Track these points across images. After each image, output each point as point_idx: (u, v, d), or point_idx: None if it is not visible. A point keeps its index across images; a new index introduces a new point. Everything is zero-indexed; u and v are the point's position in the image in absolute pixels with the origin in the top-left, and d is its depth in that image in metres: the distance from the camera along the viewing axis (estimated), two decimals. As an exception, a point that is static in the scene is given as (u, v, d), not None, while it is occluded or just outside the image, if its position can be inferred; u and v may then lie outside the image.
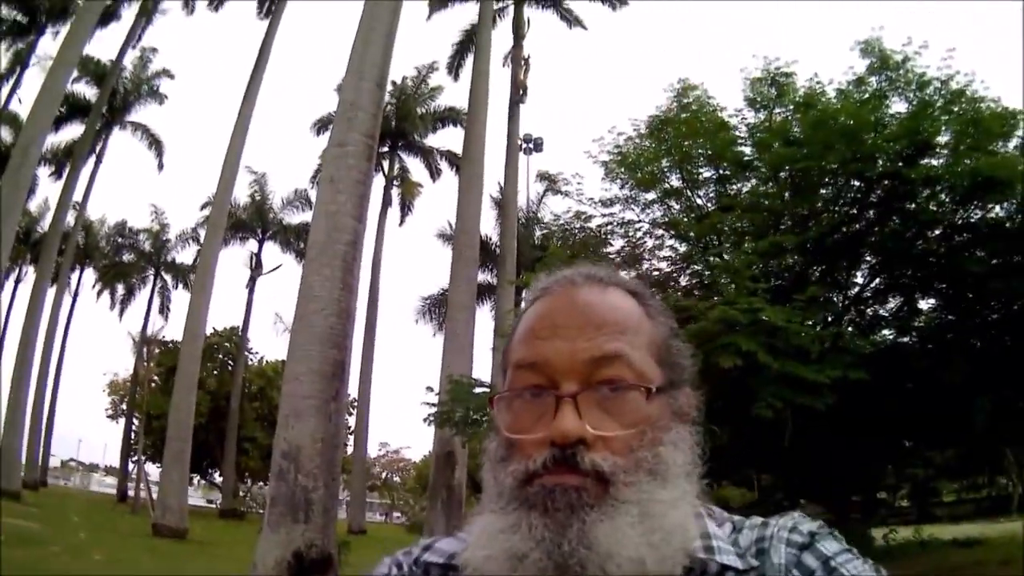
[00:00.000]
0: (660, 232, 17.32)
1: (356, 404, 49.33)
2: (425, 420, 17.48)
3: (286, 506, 12.60)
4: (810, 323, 12.96)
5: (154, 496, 37.75)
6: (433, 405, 17.32)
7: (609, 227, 17.86)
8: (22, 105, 44.29)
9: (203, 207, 51.51)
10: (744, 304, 11.97)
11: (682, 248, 16.99)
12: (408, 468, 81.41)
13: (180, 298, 62.08)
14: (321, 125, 45.99)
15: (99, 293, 62.77)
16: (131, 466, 58.45)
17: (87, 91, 45.83)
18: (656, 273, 17.00)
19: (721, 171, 16.06)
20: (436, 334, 46.38)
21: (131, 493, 52.58)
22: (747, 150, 15.81)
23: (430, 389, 18.39)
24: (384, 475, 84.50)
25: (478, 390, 16.26)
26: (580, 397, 1.08)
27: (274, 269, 55.35)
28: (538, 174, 34.99)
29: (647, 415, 1.10)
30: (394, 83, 44.90)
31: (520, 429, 1.12)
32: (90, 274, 63.04)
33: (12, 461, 34.61)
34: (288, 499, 12.61)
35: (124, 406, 65.02)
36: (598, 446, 1.07)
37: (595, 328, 1.13)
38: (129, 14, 42.01)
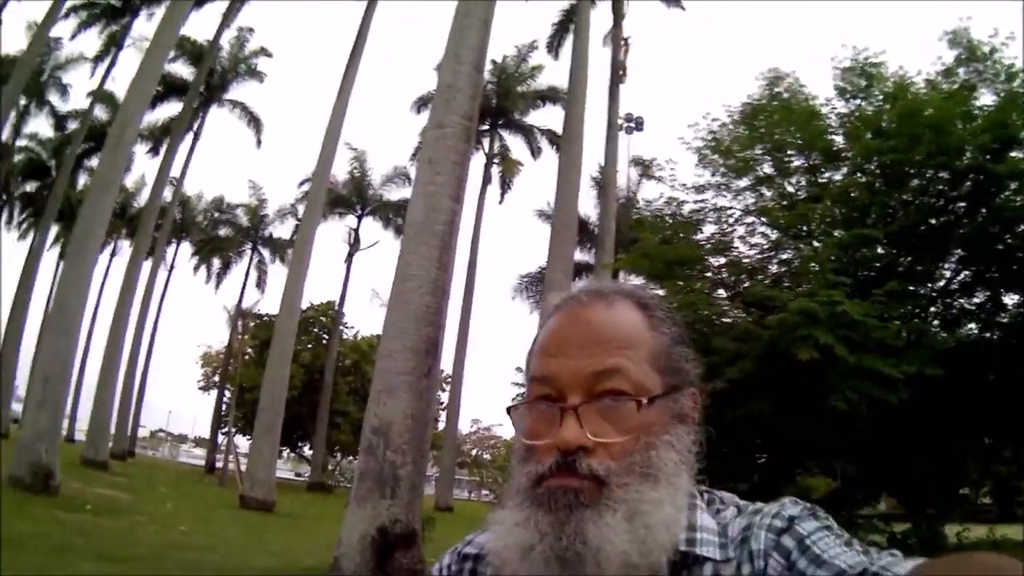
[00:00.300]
0: (751, 219, 17.38)
1: (450, 380, 49.74)
2: (514, 400, 17.86)
3: (374, 481, 12.87)
4: (892, 316, 13.01)
5: (243, 468, 38.61)
6: (522, 385, 17.66)
7: (701, 213, 17.94)
8: (116, 84, 45.69)
9: (302, 183, 52.50)
10: (824, 297, 12.19)
11: (773, 236, 17.03)
12: (498, 445, 79.43)
13: (277, 272, 62.75)
14: (421, 103, 46.24)
15: (196, 267, 64.57)
16: (221, 438, 59.88)
17: (184, 70, 46.75)
18: (746, 261, 17.09)
19: (812, 160, 16.16)
20: (532, 312, 46.75)
21: (220, 465, 53.82)
22: (838, 139, 15.90)
23: (520, 369, 18.54)
24: (474, 452, 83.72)
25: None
26: (582, 409, 1.23)
27: (372, 245, 56.08)
28: (632, 159, 35.05)
29: (642, 422, 1.24)
30: (494, 62, 45.29)
31: (535, 435, 1.28)
32: (187, 248, 64.66)
33: (101, 432, 35.83)
34: (376, 474, 12.87)
35: (217, 378, 66.33)
36: (598, 452, 1.21)
37: (596, 344, 1.27)
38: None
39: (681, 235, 17.51)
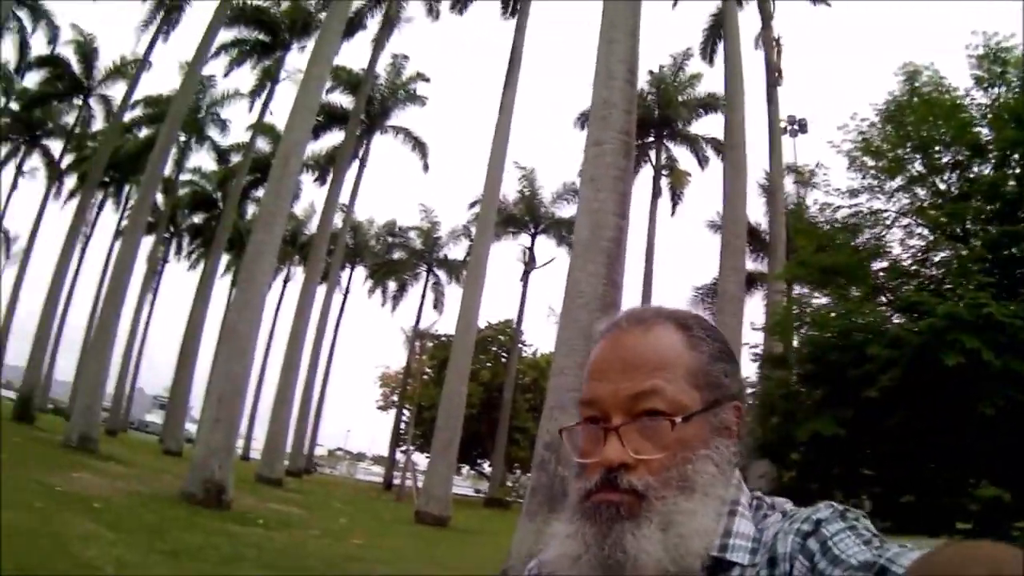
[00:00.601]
0: (907, 221, 17.04)
1: (627, 397, 49.18)
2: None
3: (545, 496, 12.97)
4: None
5: (420, 485, 39.03)
6: None
7: (856, 217, 17.66)
8: (274, 117, 47.83)
9: (472, 204, 53.08)
10: (970, 299, 11.96)
11: (932, 237, 16.64)
12: None
13: (453, 293, 63.52)
14: (584, 118, 45.13)
15: (371, 290, 66.04)
16: (399, 455, 60.97)
17: (343, 100, 48.34)
18: (903, 264, 16.76)
19: (958, 155, 15.78)
20: (711, 324, 46.01)
21: (397, 482, 54.79)
22: (983, 131, 15.49)
23: None
24: None
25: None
26: (623, 428, 1.32)
27: (547, 263, 56.09)
28: (785, 167, 34.43)
29: (678, 438, 1.32)
30: (651, 72, 45.01)
31: (585, 454, 1.38)
32: (361, 272, 66.63)
33: (276, 450, 37.09)
34: (547, 489, 12.98)
35: (395, 397, 67.71)
36: (640, 468, 1.31)
37: (634, 368, 1.36)
38: (375, 23, 44.15)
39: (837, 241, 17.28)
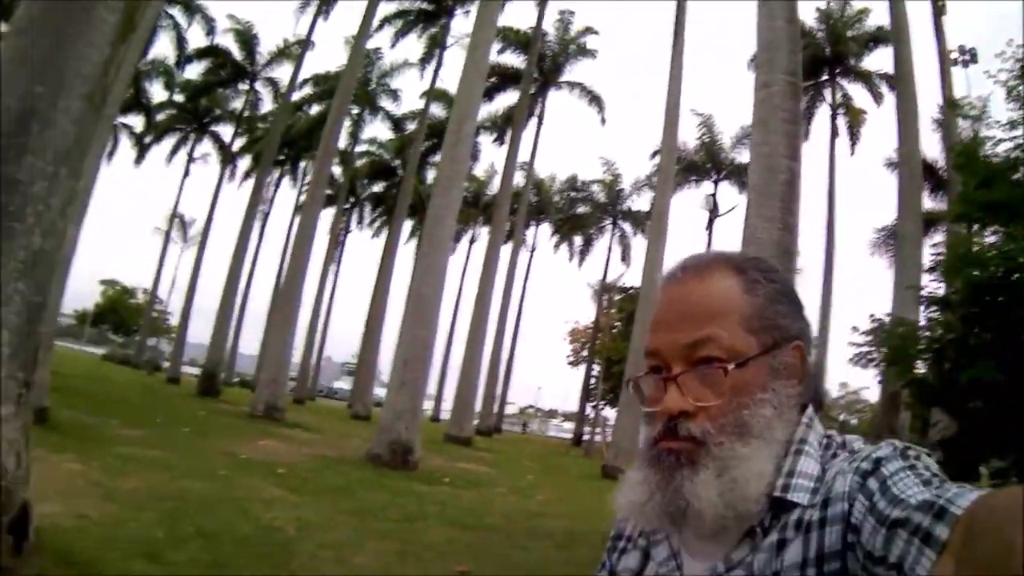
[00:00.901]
0: (1068, 151, 16.62)
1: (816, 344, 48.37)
2: (850, 361, 17.44)
3: None
4: None
5: (608, 439, 39.52)
6: (860, 345, 17.17)
7: (1018, 150, 17.37)
8: (446, 83, 49.02)
9: (653, 154, 51.97)
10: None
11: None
12: (866, 409, 74.62)
13: (640, 245, 64.15)
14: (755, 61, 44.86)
15: (556, 246, 66.84)
16: (589, 411, 61.84)
17: (515, 60, 48.62)
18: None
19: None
20: (890, 267, 45.25)
21: (587, 437, 55.62)
22: None
23: (855, 329, 18.00)
24: (841, 417, 79.62)
25: (901, 329, 16.34)
26: (683, 377, 1.35)
27: (730, 210, 55.53)
28: (953, 99, 33.34)
29: (734, 383, 1.34)
30: (819, 9, 43.90)
31: (651, 403, 1.41)
32: (546, 228, 67.30)
33: (465, 410, 38.21)
34: None
35: (585, 353, 68.01)
36: (700, 415, 1.34)
37: (688, 319, 1.39)
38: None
39: (1000, 176, 17.04)
